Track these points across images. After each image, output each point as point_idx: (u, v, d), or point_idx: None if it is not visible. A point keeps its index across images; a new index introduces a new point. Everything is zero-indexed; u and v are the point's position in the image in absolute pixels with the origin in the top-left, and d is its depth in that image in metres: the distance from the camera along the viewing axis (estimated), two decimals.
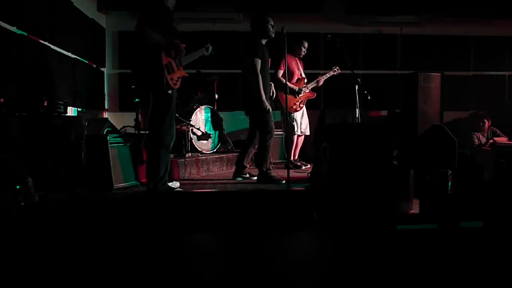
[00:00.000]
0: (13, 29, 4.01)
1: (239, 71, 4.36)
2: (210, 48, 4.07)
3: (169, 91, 3.32)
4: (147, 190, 3.44)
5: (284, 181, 3.93)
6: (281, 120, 5.19)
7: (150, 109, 3.37)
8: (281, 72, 4.87)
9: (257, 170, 4.16)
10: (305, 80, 5.16)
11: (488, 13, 6.53)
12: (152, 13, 3.29)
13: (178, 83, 3.41)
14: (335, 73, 5.23)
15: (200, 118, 5.21)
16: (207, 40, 4.19)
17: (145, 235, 2.83)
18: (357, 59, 6.83)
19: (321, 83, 5.24)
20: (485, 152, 4.98)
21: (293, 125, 5.06)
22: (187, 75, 3.55)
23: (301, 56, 5.24)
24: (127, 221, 3.03)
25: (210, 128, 5.34)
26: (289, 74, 5.05)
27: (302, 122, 5.16)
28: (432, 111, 5.25)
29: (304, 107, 5.20)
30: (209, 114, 5.37)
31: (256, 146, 4.23)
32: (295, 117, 5.08)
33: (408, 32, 6.98)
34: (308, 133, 5.27)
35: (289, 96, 4.98)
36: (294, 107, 5.06)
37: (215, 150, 5.32)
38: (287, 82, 4.94)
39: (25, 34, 4.18)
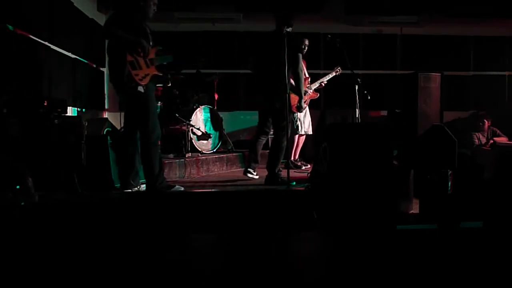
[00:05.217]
0: (13, 29, 4.01)
1: (239, 71, 4.36)
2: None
3: (139, 89, 3.31)
4: (146, 189, 3.45)
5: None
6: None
7: (125, 108, 3.40)
8: None
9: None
10: (309, 80, 5.17)
11: (488, 13, 6.53)
12: (122, 12, 3.34)
13: (146, 80, 3.37)
14: (337, 73, 5.22)
15: (200, 118, 5.21)
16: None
17: (145, 235, 2.83)
18: (357, 59, 6.83)
19: (324, 84, 5.26)
20: (485, 152, 4.98)
21: (297, 125, 5.06)
22: (159, 74, 3.50)
23: (303, 53, 5.23)
24: (127, 221, 3.02)
25: (210, 128, 5.33)
26: None
27: (305, 121, 5.17)
28: (432, 111, 5.25)
29: (307, 107, 5.21)
30: (209, 114, 5.37)
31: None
32: (298, 116, 5.08)
33: (408, 32, 6.99)
34: (311, 132, 5.27)
35: (293, 95, 5.00)
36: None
37: (215, 150, 5.32)
38: (292, 81, 4.96)
39: (25, 34, 4.18)
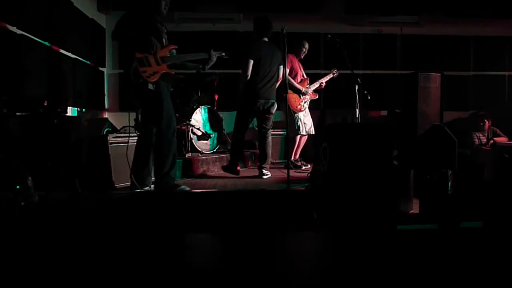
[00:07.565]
0: (13, 29, 4.01)
1: (239, 71, 4.37)
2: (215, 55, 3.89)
3: (149, 86, 3.30)
4: (154, 186, 3.47)
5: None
6: (284, 120, 5.20)
7: (139, 106, 3.42)
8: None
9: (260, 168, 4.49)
10: (308, 81, 5.18)
11: (488, 13, 6.53)
12: (134, 12, 3.35)
13: (155, 77, 3.34)
14: (334, 75, 5.26)
15: (199, 118, 5.21)
16: (209, 48, 4.01)
17: (145, 235, 2.83)
18: (357, 59, 6.83)
19: (323, 85, 5.27)
20: (485, 152, 4.98)
21: (299, 125, 5.07)
22: (170, 72, 3.44)
23: (302, 57, 5.25)
24: (127, 221, 3.03)
25: (209, 128, 5.33)
26: (294, 75, 5.07)
27: (306, 122, 5.17)
28: (432, 111, 5.25)
29: (307, 108, 5.21)
30: (209, 114, 5.37)
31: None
32: (299, 117, 5.09)
33: (408, 32, 6.98)
34: (313, 132, 5.28)
35: (294, 96, 5.03)
36: (299, 107, 5.07)
37: (214, 150, 5.32)
38: (294, 82, 4.99)
39: (26, 34, 4.18)
